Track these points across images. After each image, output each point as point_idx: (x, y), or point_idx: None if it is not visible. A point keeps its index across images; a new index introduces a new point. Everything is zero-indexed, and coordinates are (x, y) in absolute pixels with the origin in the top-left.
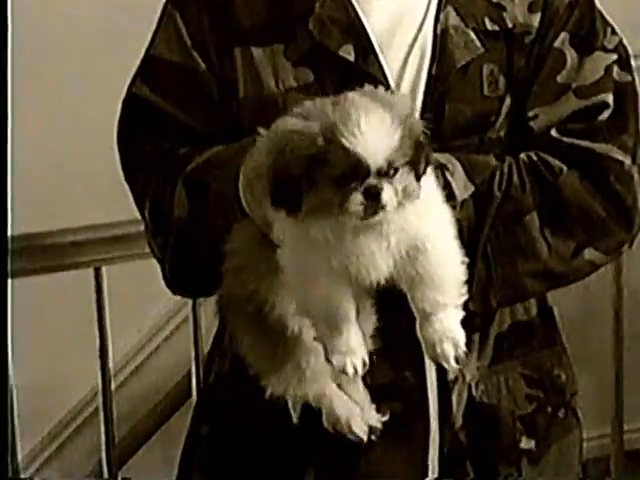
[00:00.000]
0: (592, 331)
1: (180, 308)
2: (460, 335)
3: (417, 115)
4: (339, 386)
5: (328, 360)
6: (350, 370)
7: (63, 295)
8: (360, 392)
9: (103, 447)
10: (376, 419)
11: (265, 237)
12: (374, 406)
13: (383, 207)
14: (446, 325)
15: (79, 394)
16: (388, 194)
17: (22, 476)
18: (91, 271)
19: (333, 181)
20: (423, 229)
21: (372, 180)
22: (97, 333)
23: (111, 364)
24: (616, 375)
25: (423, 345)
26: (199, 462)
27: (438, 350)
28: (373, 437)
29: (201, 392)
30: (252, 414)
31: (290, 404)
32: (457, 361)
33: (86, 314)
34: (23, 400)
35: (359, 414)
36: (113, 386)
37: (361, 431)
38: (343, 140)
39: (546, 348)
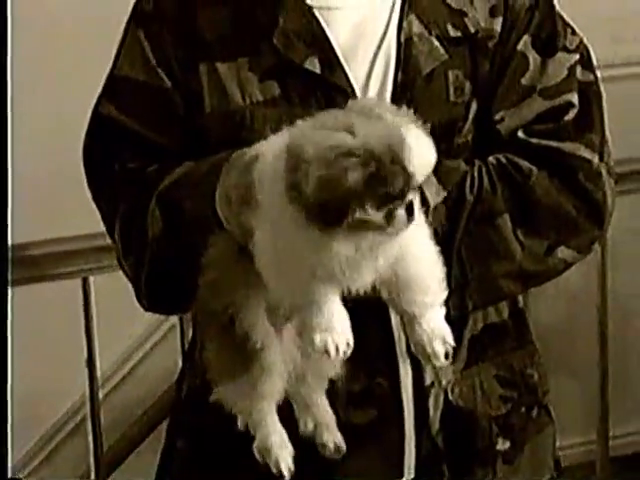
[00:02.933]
0: (577, 338)
1: (167, 317)
2: (447, 331)
3: None
4: (303, 408)
5: (308, 340)
6: (332, 349)
7: (52, 304)
8: (326, 411)
9: (91, 454)
10: (340, 439)
11: (241, 249)
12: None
13: (413, 220)
14: (433, 324)
15: (68, 402)
16: (417, 207)
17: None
18: (79, 281)
19: (379, 198)
20: (402, 240)
21: (411, 195)
22: (85, 342)
23: (99, 372)
24: (601, 381)
25: (412, 346)
26: (175, 476)
27: (429, 350)
28: (336, 457)
29: (174, 407)
30: (224, 428)
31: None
32: (447, 357)
33: (75, 323)
34: (13, 407)
35: (291, 452)
36: (102, 394)
37: (286, 469)
38: (403, 158)
39: (519, 348)
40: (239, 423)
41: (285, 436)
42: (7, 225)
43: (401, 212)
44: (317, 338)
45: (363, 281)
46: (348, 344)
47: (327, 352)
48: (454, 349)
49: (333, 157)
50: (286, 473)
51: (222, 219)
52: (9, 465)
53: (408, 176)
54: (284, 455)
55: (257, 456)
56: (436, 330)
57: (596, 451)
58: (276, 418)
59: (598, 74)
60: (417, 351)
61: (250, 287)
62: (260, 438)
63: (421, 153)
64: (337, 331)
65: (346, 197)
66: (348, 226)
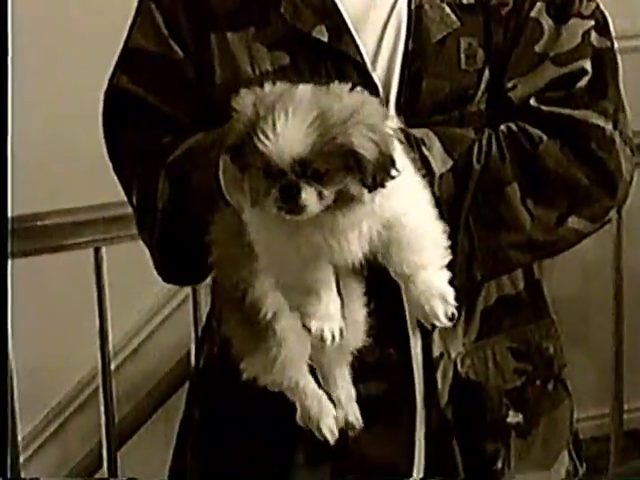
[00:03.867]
0: (592, 311)
1: (180, 288)
2: (447, 291)
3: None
4: (322, 377)
5: (305, 326)
6: (328, 336)
7: (63, 276)
8: (344, 385)
9: (103, 427)
10: (355, 415)
11: (243, 224)
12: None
13: (302, 208)
14: (431, 283)
15: (79, 375)
16: (306, 196)
17: (22, 458)
18: (91, 252)
19: (260, 172)
20: (394, 208)
21: (287, 179)
22: (97, 313)
23: (111, 345)
24: (616, 355)
25: (410, 309)
26: (192, 446)
27: (426, 308)
28: (350, 433)
29: (192, 376)
30: (242, 397)
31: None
32: (448, 318)
33: (86, 295)
34: (23, 381)
35: (332, 414)
36: (113, 366)
37: (329, 433)
38: (257, 136)
39: (534, 321)
40: (290, 398)
41: (325, 399)
42: (7, 201)
43: (274, 191)
44: (314, 326)
45: (351, 251)
46: (342, 331)
47: (323, 339)
48: (466, 321)
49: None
50: (330, 437)
51: (224, 191)
52: (18, 438)
53: (266, 157)
54: (325, 420)
55: (300, 424)
56: (433, 289)
57: (610, 425)
58: (312, 383)
59: (615, 44)
60: (415, 313)
61: (256, 260)
62: (299, 405)
63: (284, 138)
64: (333, 319)
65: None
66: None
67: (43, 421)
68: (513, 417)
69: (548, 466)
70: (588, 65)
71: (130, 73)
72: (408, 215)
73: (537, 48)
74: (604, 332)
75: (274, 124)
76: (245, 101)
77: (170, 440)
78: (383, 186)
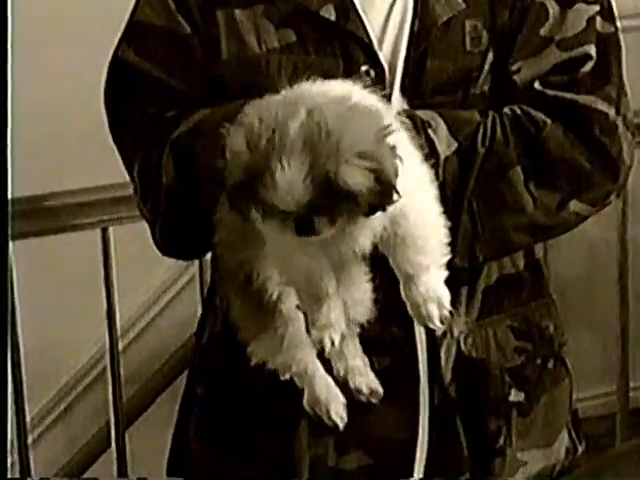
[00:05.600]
0: (597, 289)
1: (187, 267)
2: (444, 295)
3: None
4: (335, 354)
5: (309, 331)
6: (328, 344)
7: (70, 256)
8: (357, 357)
9: (111, 407)
10: (375, 382)
11: None
12: (371, 371)
13: (318, 234)
14: (430, 286)
15: (87, 354)
16: (320, 226)
17: (30, 438)
18: (98, 232)
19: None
20: (400, 202)
21: (300, 215)
22: (104, 293)
23: (118, 324)
24: (621, 332)
25: (408, 307)
26: (195, 423)
27: (423, 311)
28: (374, 400)
29: (195, 353)
30: (245, 373)
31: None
32: (442, 321)
33: (93, 274)
34: (31, 360)
35: (341, 400)
36: (120, 346)
37: (338, 418)
38: (259, 186)
39: (534, 300)
40: (298, 384)
41: (333, 386)
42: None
43: (290, 224)
44: (313, 333)
45: (359, 244)
46: (343, 336)
47: (322, 346)
48: (467, 300)
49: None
50: (340, 423)
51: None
52: (27, 418)
53: (272, 203)
54: (335, 406)
55: (308, 410)
56: (431, 292)
57: (616, 403)
58: (320, 369)
59: (619, 24)
60: (412, 312)
61: (261, 241)
62: (308, 392)
63: (285, 189)
64: (333, 327)
65: (237, 188)
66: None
67: (51, 401)
68: (515, 396)
69: (548, 445)
70: (593, 50)
71: (135, 46)
72: (415, 210)
73: (542, 32)
74: (609, 310)
75: (272, 176)
76: (238, 141)
77: None
78: (384, 210)
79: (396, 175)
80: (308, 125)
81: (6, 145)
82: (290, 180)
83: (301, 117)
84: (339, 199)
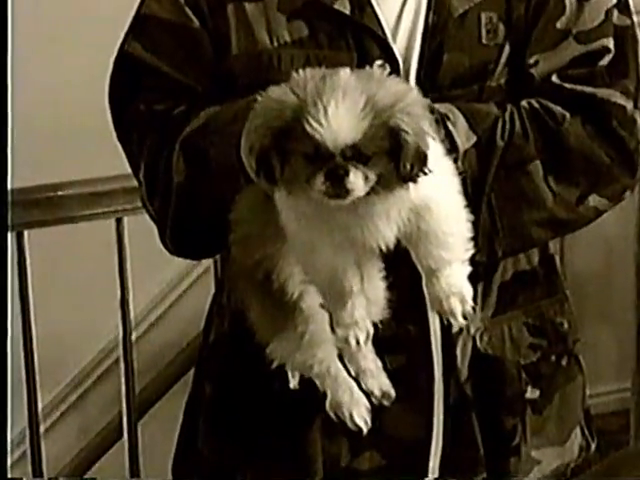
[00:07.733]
0: (613, 285)
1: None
2: (467, 290)
3: (412, 109)
4: (347, 355)
5: (333, 330)
6: (353, 342)
7: (84, 246)
8: (369, 359)
9: (123, 398)
10: (387, 384)
11: (269, 203)
12: (384, 373)
13: (349, 191)
14: (452, 281)
15: (100, 345)
16: (354, 179)
17: (42, 428)
18: (112, 222)
19: (303, 157)
20: (423, 190)
21: (335, 162)
22: (118, 284)
23: (132, 315)
24: (637, 328)
25: (430, 301)
26: (203, 421)
27: (445, 306)
28: (386, 402)
29: (202, 351)
30: (254, 371)
31: (289, 373)
32: (465, 317)
33: (107, 265)
34: (44, 350)
35: (364, 404)
36: (134, 337)
37: (362, 421)
38: (307, 121)
39: (548, 296)
40: (319, 386)
41: (356, 389)
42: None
43: (320, 175)
44: (339, 332)
45: (384, 237)
46: (368, 334)
47: (348, 344)
48: (483, 296)
49: (261, 113)
50: (364, 427)
51: (247, 169)
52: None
53: (315, 141)
54: (358, 410)
55: (330, 414)
56: (454, 287)
57: (630, 399)
58: (342, 371)
59: (635, 18)
60: (434, 307)
61: (281, 239)
62: (330, 394)
63: (337, 123)
64: (359, 325)
65: (265, 150)
66: (286, 183)
67: (63, 391)
68: (531, 393)
69: (562, 442)
70: (610, 43)
71: (142, 40)
72: (438, 203)
73: (559, 24)
74: (626, 306)
75: (325, 109)
76: (281, 90)
77: None
78: (415, 180)
79: (428, 150)
80: (360, 72)
81: (6, 136)
82: (343, 114)
83: (354, 72)
84: (383, 148)
